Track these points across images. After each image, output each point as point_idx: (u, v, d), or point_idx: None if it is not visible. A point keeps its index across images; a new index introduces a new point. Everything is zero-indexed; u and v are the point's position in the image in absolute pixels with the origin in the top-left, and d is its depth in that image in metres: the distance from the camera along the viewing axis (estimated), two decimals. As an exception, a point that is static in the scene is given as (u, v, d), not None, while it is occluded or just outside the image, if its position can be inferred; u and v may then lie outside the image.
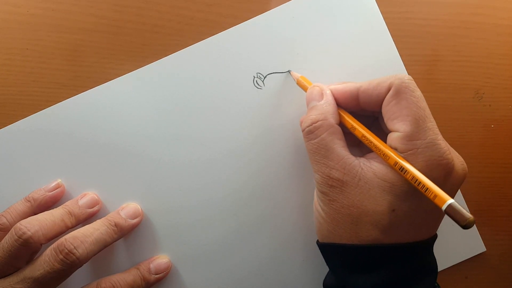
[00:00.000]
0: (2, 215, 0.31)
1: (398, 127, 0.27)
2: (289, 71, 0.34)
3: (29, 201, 0.33)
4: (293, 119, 0.34)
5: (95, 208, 0.33)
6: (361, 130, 0.29)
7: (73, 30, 0.35)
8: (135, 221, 0.33)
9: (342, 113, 0.30)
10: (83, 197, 0.33)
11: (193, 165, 0.34)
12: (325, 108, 0.29)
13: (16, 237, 0.29)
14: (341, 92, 0.30)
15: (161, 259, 0.34)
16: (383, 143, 0.28)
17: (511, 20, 0.35)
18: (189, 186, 0.34)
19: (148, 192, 0.34)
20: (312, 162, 0.29)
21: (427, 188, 0.25)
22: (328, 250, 0.30)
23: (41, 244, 0.30)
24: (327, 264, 0.31)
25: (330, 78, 0.34)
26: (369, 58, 0.35)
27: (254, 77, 0.35)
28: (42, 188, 0.33)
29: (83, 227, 0.30)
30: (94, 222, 0.31)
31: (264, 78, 0.35)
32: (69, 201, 0.33)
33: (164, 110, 0.35)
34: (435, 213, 0.28)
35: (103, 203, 0.34)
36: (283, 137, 0.34)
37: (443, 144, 0.26)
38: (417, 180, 0.25)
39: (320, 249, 0.31)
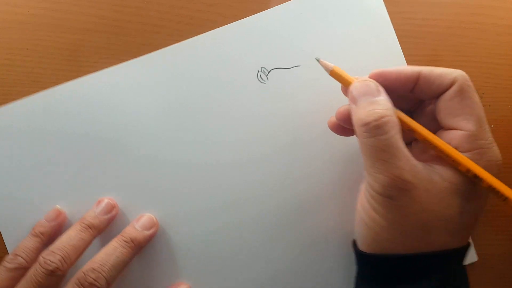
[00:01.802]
0: (17, 255, 0.32)
1: (462, 125, 0.26)
2: (317, 59, 0.30)
3: (37, 236, 0.33)
4: (296, 114, 0.34)
5: (113, 213, 0.34)
6: (423, 133, 0.27)
7: (73, 30, 0.35)
8: (151, 231, 0.33)
9: (399, 113, 0.27)
10: (98, 205, 0.34)
11: (195, 160, 0.34)
12: (388, 104, 0.26)
13: (44, 270, 0.29)
14: (396, 75, 0.27)
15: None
16: (452, 148, 0.26)
17: (511, 20, 0.35)
18: (191, 183, 0.34)
19: (144, 187, 0.34)
20: (376, 161, 0.26)
21: (506, 197, 0.25)
22: (383, 263, 0.27)
23: (67, 270, 0.31)
24: (363, 275, 0.29)
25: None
26: (372, 56, 0.35)
27: (258, 71, 0.35)
28: (44, 220, 0.34)
29: (100, 254, 0.31)
30: (109, 244, 0.31)
31: (268, 72, 0.34)
32: (86, 213, 0.33)
33: (166, 104, 0.34)
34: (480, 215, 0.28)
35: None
36: (286, 132, 0.34)
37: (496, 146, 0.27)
38: (494, 188, 0.25)
39: (366, 260, 0.28)
